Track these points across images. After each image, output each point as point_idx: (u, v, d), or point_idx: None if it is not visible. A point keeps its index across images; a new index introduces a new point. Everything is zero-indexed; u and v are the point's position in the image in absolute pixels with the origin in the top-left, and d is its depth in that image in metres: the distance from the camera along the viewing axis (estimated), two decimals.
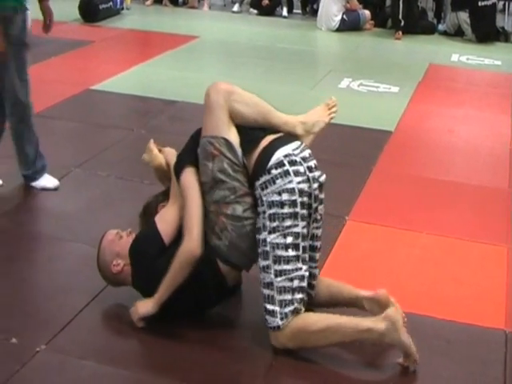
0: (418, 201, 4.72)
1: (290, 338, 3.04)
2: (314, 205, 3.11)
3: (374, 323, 2.99)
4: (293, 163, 3.04)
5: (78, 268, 3.70)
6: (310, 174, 3.08)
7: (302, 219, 3.05)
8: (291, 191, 3.01)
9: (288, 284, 3.02)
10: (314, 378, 3.03)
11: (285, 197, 3.00)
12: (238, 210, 3.09)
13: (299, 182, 3.03)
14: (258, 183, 3.06)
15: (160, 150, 3.51)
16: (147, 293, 3.20)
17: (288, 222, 3.01)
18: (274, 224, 3.01)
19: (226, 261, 3.12)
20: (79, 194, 4.63)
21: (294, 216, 3.02)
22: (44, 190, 4.54)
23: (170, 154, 3.45)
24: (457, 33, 9.77)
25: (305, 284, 3.07)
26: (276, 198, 3.01)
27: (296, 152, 3.10)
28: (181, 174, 3.20)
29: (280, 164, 3.03)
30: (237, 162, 3.09)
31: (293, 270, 3.02)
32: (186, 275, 3.08)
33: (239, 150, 3.10)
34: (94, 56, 7.98)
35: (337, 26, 9.80)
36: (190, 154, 3.23)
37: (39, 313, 3.41)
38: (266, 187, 3.03)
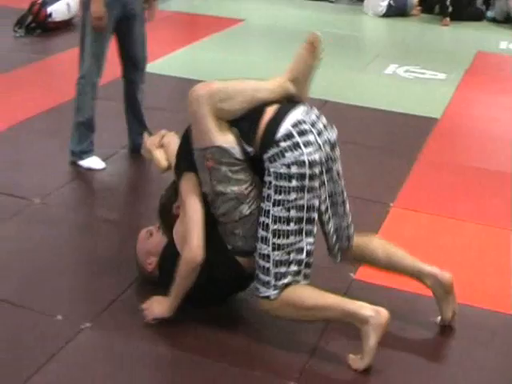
0: (462, 189, 4.67)
1: (278, 308, 3.00)
2: (326, 167, 3.03)
3: (361, 309, 2.94)
4: (302, 133, 2.93)
5: (123, 247, 3.73)
6: (321, 140, 2.97)
7: (310, 191, 2.96)
8: (301, 164, 2.91)
9: (285, 257, 2.96)
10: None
11: (294, 170, 2.91)
12: (245, 209, 3.02)
13: (310, 153, 2.92)
14: (266, 156, 2.94)
15: (161, 145, 3.41)
16: None
17: (293, 195, 2.92)
18: (280, 197, 2.92)
19: (243, 252, 3.09)
20: (124, 174, 4.68)
21: (301, 189, 2.92)
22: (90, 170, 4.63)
23: (172, 144, 3.37)
24: (506, 20, 9.62)
25: (303, 256, 2.99)
26: (284, 170, 2.91)
27: (304, 118, 2.98)
28: (179, 181, 3.15)
29: (289, 135, 2.92)
30: (236, 161, 2.98)
31: (292, 244, 2.96)
32: (193, 280, 3.06)
33: (237, 147, 2.98)
34: None
35: (384, 11, 9.71)
36: (186, 158, 3.12)
37: (84, 290, 3.46)
38: (275, 160, 2.92)
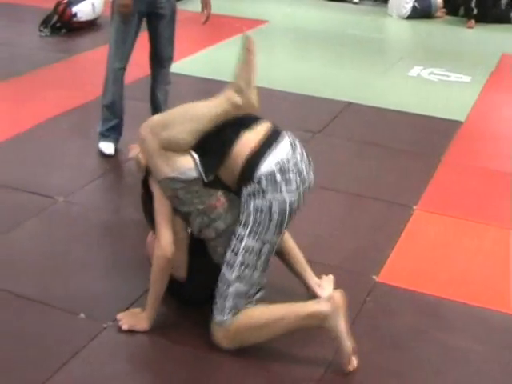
0: (486, 193, 4.64)
1: (234, 335, 2.96)
2: (305, 191, 3.00)
3: (318, 305, 2.91)
4: (283, 172, 2.87)
5: (144, 247, 3.74)
6: (300, 181, 2.93)
7: (286, 227, 2.96)
8: (282, 202, 2.87)
9: (245, 289, 2.93)
10: None
11: (275, 207, 2.86)
12: (220, 225, 2.98)
13: (291, 192, 2.89)
14: (245, 190, 2.89)
15: None
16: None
17: (271, 230, 2.88)
18: (258, 229, 2.88)
19: None
20: None
21: (280, 225, 2.90)
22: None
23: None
24: None
25: (260, 292, 3.00)
26: (266, 205, 2.86)
27: (289, 158, 2.92)
28: (151, 186, 3.09)
29: (271, 175, 2.86)
30: (193, 181, 2.93)
31: (254, 279, 2.93)
32: (165, 283, 3.06)
33: (192, 169, 2.92)
34: None
35: (408, 13, 9.66)
36: None
37: (107, 289, 3.46)
38: (255, 196, 2.87)
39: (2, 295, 3.35)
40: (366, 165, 4.96)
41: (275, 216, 2.87)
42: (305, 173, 2.98)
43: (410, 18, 9.64)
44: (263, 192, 2.86)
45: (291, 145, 2.99)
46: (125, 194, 4.54)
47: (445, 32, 9.26)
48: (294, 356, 3.06)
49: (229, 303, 2.94)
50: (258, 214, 2.87)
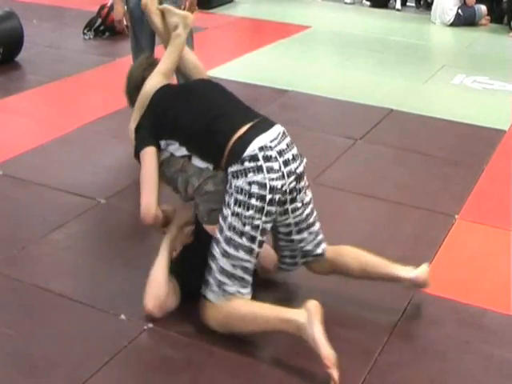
0: None
1: (218, 317, 3.03)
2: (290, 197, 3.07)
3: (295, 315, 2.91)
4: (267, 159, 2.97)
5: None
6: (286, 169, 3.01)
7: (268, 215, 2.99)
8: (262, 186, 2.95)
9: (230, 269, 3.00)
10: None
11: (254, 189, 2.95)
12: (209, 185, 3.09)
13: (272, 179, 2.96)
14: (230, 169, 3.00)
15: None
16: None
17: (251, 212, 2.96)
18: (238, 210, 2.97)
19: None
20: None
21: (260, 210, 2.96)
22: None
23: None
24: None
25: (248, 277, 3.03)
26: (246, 186, 2.96)
27: (273, 144, 3.01)
28: (140, 153, 3.24)
29: (254, 158, 2.96)
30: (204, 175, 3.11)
31: (239, 259, 2.99)
32: None
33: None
34: (207, 42, 8.06)
35: (451, 20, 9.59)
36: (151, 132, 3.24)
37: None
38: (238, 176, 2.97)
39: (44, 295, 3.39)
40: (407, 172, 4.92)
41: (253, 200, 2.95)
42: (291, 161, 3.05)
43: (453, 25, 9.58)
44: (245, 172, 2.96)
45: (279, 134, 3.08)
46: (167, 195, 4.55)
47: (489, 40, 9.18)
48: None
49: (215, 278, 3.03)
50: (239, 194, 2.97)
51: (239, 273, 3.02)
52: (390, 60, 7.78)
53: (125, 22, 5.20)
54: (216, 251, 3.03)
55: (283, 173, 3.00)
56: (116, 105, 5.72)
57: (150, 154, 3.21)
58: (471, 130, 5.75)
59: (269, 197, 2.96)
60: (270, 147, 3.00)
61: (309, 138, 5.21)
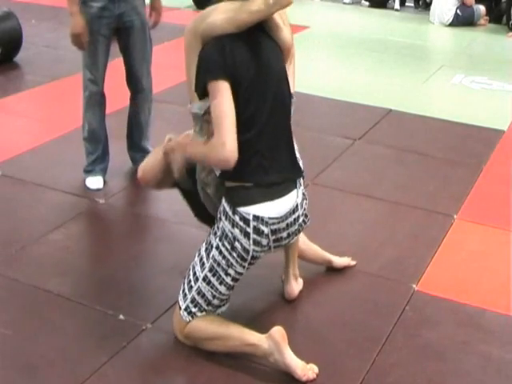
0: None
1: (186, 336, 3.01)
2: (276, 249, 2.98)
3: (259, 341, 2.88)
4: (258, 232, 2.81)
5: (183, 250, 3.75)
6: (274, 244, 2.90)
7: (252, 261, 2.91)
8: (245, 250, 2.84)
9: (208, 294, 2.94)
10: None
11: (237, 245, 2.84)
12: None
13: (256, 251, 2.86)
14: (223, 200, 2.86)
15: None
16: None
17: (233, 261, 2.87)
18: (223, 249, 2.87)
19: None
20: None
21: (242, 261, 2.87)
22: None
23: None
24: None
25: (221, 305, 3.00)
26: (230, 236, 2.83)
27: (271, 221, 2.81)
28: (209, 84, 2.73)
29: (246, 221, 2.79)
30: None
31: (220, 293, 2.94)
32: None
33: None
34: None
35: (450, 20, 9.59)
36: (224, 68, 2.73)
37: (146, 291, 3.48)
38: (226, 218, 2.84)
39: (42, 295, 3.39)
40: (406, 172, 4.92)
41: (235, 253, 2.86)
42: (284, 237, 2.92)
43: (452, 25, 9.59)
44: (233, 223, 2.83)
45: (288, 210, 2.88)
46: (166, 197, 4.55)
47: (487, 40, 9.19)
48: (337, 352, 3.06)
49: (191, 296, 2.97)
50: (223, 237, 2.87)
51: (216, 302, 2.98)
52: (388, 60, 7.78)
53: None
54: (199, 273, 2.95)
55: (270, 247, 2.90)
56: (115, 105, 5.70)
57: (224, 89, 2.71)
58: (470, 130, 5.76)
59: (249, 260, 2.89)
60: (266, 223, 2.81)
61: (307, 138, 5.20)
